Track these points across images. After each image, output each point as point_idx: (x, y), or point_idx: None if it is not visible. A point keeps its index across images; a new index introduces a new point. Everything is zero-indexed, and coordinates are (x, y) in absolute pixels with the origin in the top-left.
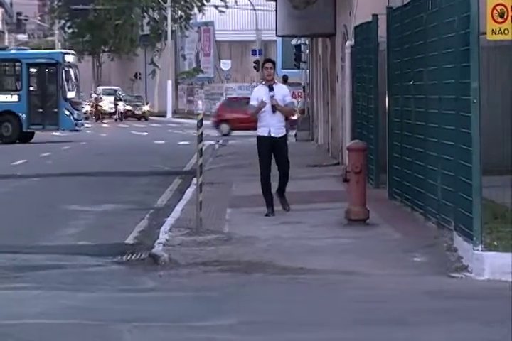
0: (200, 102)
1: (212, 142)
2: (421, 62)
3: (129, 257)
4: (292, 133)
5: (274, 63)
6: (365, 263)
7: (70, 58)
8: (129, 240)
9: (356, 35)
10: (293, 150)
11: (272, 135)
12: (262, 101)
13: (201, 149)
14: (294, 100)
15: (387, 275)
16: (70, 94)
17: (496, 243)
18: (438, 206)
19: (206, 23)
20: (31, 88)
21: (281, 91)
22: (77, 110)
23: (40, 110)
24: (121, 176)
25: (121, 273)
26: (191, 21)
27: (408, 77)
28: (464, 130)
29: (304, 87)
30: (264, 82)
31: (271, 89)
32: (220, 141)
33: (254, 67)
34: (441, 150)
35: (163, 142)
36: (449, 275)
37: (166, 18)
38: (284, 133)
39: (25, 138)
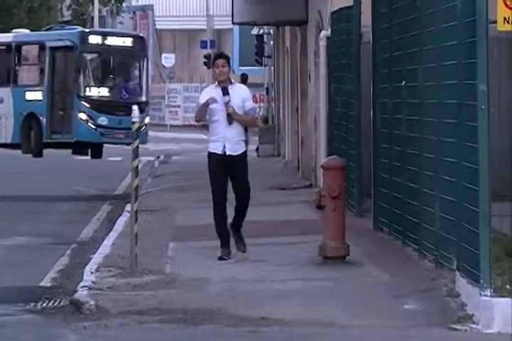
0: (135, 108)
1: (151, 158)
2: (415, 58)
3: (45, 304)
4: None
5: (227, 59)
6: (344, 312)
7: (96, 39)
8: (45, 282)
9: (333, 23)
10: (254, 169)
11: (228, 153)
12: (211, 98)
13: (137, 167)
14: (256, 105)
15: (371, 327)
16: (91, 91)
17: (508, 287)
18: (436, 240)
19: (144, 7)
20: (54, 81)
21: (240, 94)
22: (108, 114)
23: (61, 113)
24: (35, 201)
25: (35, 325)
26: (125, 4)
27: (399, 76)
28: (468, 144)
29: (267, 89)
30: (217, 83)
31: (225, 92)
32: (161, 157)
33: (205, 64)
34: (440, 169)
35: (88, 158)
36: (450, 327)
37: (92, 0)
38: (242, 149)
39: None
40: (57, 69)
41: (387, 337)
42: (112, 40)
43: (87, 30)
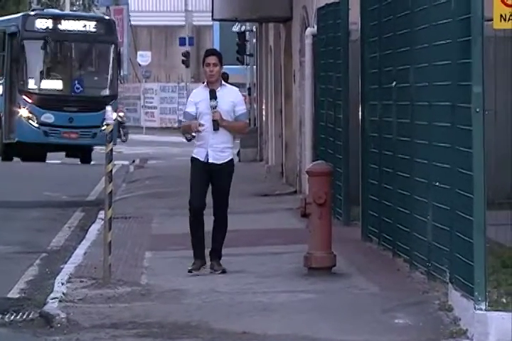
0: (109, 109)
1: (125, 162)
2: (406, 58)
3: (12, 317)
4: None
5: (220, 57)
6: (331, 327)
7: (44, 24)
8: (13, 294)
9: (320, 20)
10: (235, 175)
11: (210, 161)
12: (199, 123)
13: (111, 172)
14: (247, 110)
15: None
16: (34, 84)
17: (504, 300)
18: (428, 250)
19: (118, 2)
20: (12, 73)
21: (230, 97)
22: (55, 110)
23: (16, 109)
24: (2, 208)
25: (2, 338)
26: None
27: (389, 76)
28: (462, 148)
29: (249, 89)
30: (206, 83)
31: (212, 96)
32: (137, 161)
33: (183, 62)
34: (432, 175)
35: (59, 162)
36: None
37: None
38: (228, 158)
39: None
40: (14, 59)
41: None
42: (67, 25)
43: (34, 12)
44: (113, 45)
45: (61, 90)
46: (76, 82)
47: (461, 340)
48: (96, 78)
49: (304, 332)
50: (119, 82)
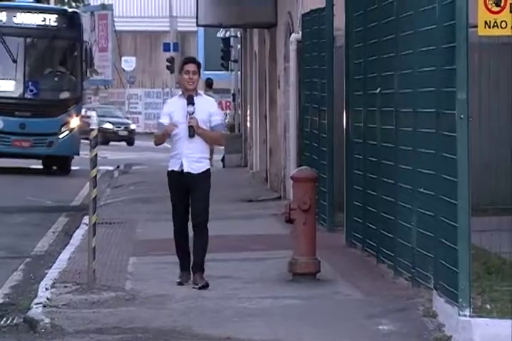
0: (93, 114)
1: (110, 168)
2: (390, 64)
3: None
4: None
5: (199, 65)
6: (315, 332)
7: None
8: None
9: (304, 26)
10: (220, 181)
11: (186, 170)
12: (171, 124)
13: (95, 177)
14: (223, 121)
15: None
16: None
17: (488, 306)
18: (412, 256)
19: (103, 7)
20: None
21: (206, 107)
22: (3, 115)
23: None
24: None
25: None
26: (82, 3)
27: (373, 83)
28: (447, 155)
29: (233, 95)
30: (181, 92)
31: (190, 102)
32: (121, 167)
33: (168, 67)
34: (416, 181)
35: (42, 167)
36: None
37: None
38: (204, 168)
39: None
40: None
41: None
42: (23, 18)
43: None
44: (77, 42)
45: (12, 92)
46: (30, 83)
47: None
48: (56, 79)
49: (288, 337)
50: (83, 84)
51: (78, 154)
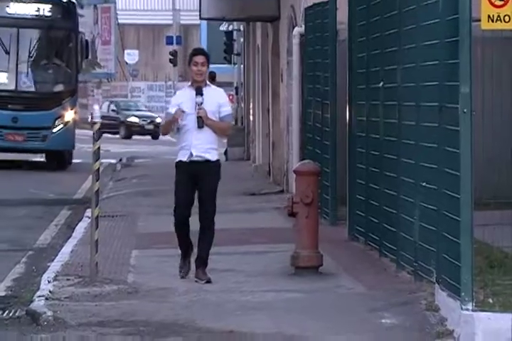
0: (96, 107)
1: (112, 161)
2: (393, 58)
3: None
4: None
5: (208, 57)
6: (317, 326)
7: None
8: (0, 291)
9: (307, 19)
10: (223, 174)
11: (195, 159)
12: (176, 111)
13: (98, 170)
14: (231, 111)
15: None
16: None
17: (491, 300)
18: (415, 250)
19: (106, 0)
20: None
21: (215, 98)
22: None
23: None
24: None
25: None
26: None
27: (376, 76)
28: (449, 149)
29: (236, 88)
30: (190, 83)
31: (199, 92)
32: (124, 160)
33: (171, 61)
34: (419, 175)
35: (44, 160)
36: None
37: None
38: (213, 158)
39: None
40: None
41: None
42: (16, 8)
43: None
44: (72, 32)
45: (4, 85)
46: (23, 75)
47: (447, 340)
48: (50, 71)
49: (290, 331)
50: (78, 76)
51: (73, 148)
